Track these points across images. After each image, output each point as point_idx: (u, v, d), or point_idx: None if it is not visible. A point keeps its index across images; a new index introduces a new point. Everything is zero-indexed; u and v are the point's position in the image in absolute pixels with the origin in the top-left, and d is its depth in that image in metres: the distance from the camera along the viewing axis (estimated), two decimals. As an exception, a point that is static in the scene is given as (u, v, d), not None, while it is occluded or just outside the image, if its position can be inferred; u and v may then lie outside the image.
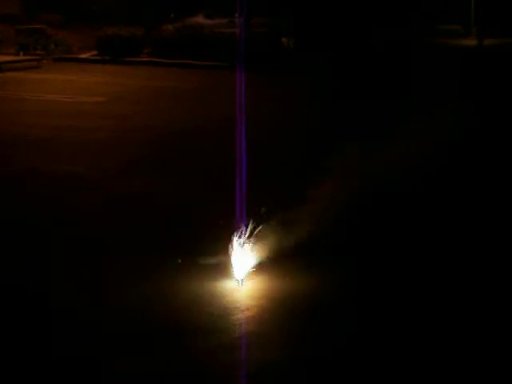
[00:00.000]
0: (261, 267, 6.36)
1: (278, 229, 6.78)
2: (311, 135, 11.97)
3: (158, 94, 16.43)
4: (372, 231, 7.50)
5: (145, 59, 22.10)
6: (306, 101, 15.59)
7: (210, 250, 6.67)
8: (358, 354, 5.17)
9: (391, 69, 18.93)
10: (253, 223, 6.41)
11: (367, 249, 7.02)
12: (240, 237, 6.33)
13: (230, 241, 6.35)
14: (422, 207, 8.24)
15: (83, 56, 22.60)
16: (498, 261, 6.79)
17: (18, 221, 7.79)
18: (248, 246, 6.31)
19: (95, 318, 5.63)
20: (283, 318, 5.68)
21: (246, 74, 14.41)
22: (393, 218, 7.88)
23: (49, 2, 27.82)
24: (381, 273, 6.50)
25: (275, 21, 22.52)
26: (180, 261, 6.58)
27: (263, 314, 5.71)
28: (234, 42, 19.99)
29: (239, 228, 6.37)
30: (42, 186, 9.04)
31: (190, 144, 11.43)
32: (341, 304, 5.93)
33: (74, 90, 16.53)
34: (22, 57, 21.37)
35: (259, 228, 6.43)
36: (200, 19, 25.34)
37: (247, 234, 6.35)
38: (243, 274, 6.23)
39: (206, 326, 5.50)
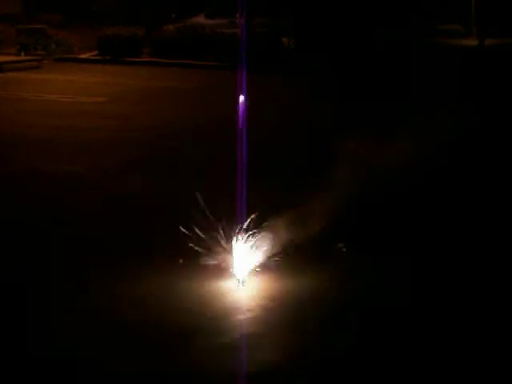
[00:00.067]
0: (262, 267, 6.35)
1: (278, 229, 6.76)
2: (312, 135, 11.96)
3: (158, 94, 16.42)
4: (373, 232, 7.49)
5: (145, 59, 22.10)
6: (306, 101, 15.58)
7: (211, 250, 6.65)
8: (359, 355, 5.16)
9: (391, 69, 18.92)
10: (253, 223, 6.40)
11: (369, 249, 7.01)
12: (241, 237, 6.32)
13: (230, 241, 6.34)
14: (423, 208, 8.23)
15: (84, 56, 22.60)
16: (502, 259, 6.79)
17: (18, 221, 7.79)
18: (249, 246, 6.30)
19: (95, 317, 5.62)
20: (284, 318, 5.66)
21: (246, 74, 14.41)
22: (393, 219, 7.87)
23: (49, 2, 27.83)
24: (383, 273, 6.49)
25: (275, 21, 22.52)
26: (181, 261, 6.57)
27: (264, 314, 5.69)
28: (234, 42, 19.99)
29: (240, 228, 6.36)
30: (41, 186, 9.03)
31: (190, 144, 11.42)
32: (342, 304, 5.92)
33: (74, 90, 16.53)
34: (22, 57, 21.37)
35: (259, 228, 6.42)
36: (201, 19, 25.33)
37: (248, 235, 6.35)
38: (244, 274, 6.22)
39: (207, 327, 5.48)
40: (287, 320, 5.64)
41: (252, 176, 8.04)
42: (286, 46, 22.01)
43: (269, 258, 6.44)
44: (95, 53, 22.71)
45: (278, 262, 6.44)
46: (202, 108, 14.72)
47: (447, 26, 28.00)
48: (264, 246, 6.41)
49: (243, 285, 6.15)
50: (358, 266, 6.63)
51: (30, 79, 18.20)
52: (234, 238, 6.34)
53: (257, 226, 6.41)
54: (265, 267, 6.36)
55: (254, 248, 6.33)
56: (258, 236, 6.40)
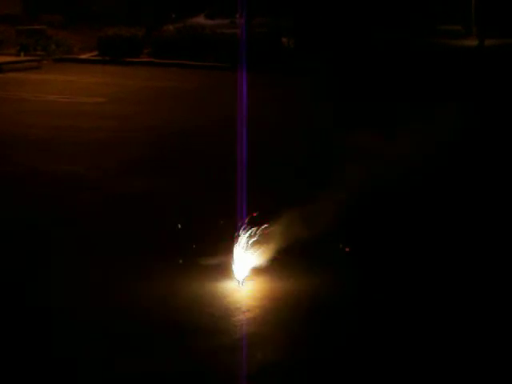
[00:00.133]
0: (262, 268, 6.34)
1: (279, 229, 6.76)
2: (312, 135, 11.95)
3: (158, 95, 16.42)
4: (374, 232, 7.48)
5: (145, 60, 22.10)
6: (306, 101, 15.57)
7: (211, 251, 6.66)
8: (359, 355, 5.15)
9: (391, 69, 18.92)
10: (254, 223, 6.39)
11: (370, 249, 7.00)
12: (241, 237, 6.31)
13: (230, 241, 6.34)
14: (422, 210, 8.23)
15: (84, 56, 22.60)
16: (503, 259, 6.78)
17: (18, 221, 7.78)
18: (249, 247, 6.30)
19: (95, 317, 5.61)
20: (284, 318, 5.66)
21: (246, 74, 14.41)
22: (393, 220, 7.86)
23: (49, 3, 27.82)
24: (383, 273, 6.49)
25: (275, 21, 22.51)
26: (181, 261, 6.57)
27: (264, 314, 5.69)
28: (234, 43, 19.99)
29: (240, 228, 6.36)
30: (41, 186, 9.02)
31: (190, 144, 11.42)
32: (342, 305, 5.91)
33: (74, 90, 16.53)
34: (22, 57, 21.37)
35: (260, 228, 6.42)
36: (201, 20, 25.33)
37: (248, 235, 6.34)
38: (244, 274, 6.21)
39: (207, 327, 5.48)
40: (287, 320, 5.63)
41: (252, 176, 8.05)
42: (286, 46, 22.01)
43: (268, 258, 6.44)
44: (95, 53, 22.72)
45: (278, 263, 6.44)
46: (202, 108, 14.72)
47: (447, 27, 27.98)
48: (264, 246, 6.41)
49: (243, 285, 6.14)
50: (358, 267, 6.62)
51: (30, 80, 18.20)
52: (235, 239, 6.33)
53: (257, 226, 6.41)
54: (265, 267, 6.36)
55: (254, 248, 6.32)
56: (258, 236, 6.39)
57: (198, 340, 5.29)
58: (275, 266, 6.42)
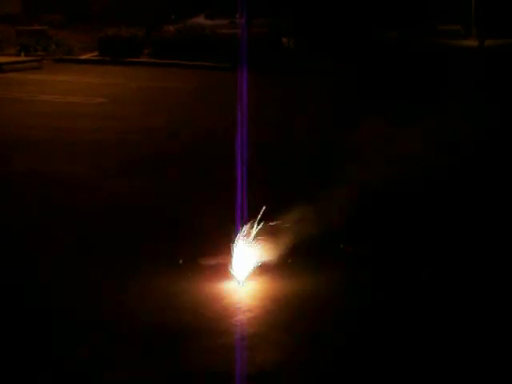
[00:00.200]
0: (262, 268, 6.34)
1: (279, 229, 6.76)
2: (312, 135, 11.96)
3: (158, 95, 16.43)
4: (374, 232, 7.48)
5: (145, 60, 22.12)
6: (306, 101, 15.58)
7: (211, 251, 6.66)
8: (360, 356, 5.16)
9: (391, 69, 18.92)
10: (254, 224, 6.40)
11: (374, 249, 7.00)
12: (241, 237, 6.32)
13: (231, 241, 6.34)
14: (422, 212, 8.23)
15: (84, 57, 22.62)
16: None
17: (17, 221, 7.79)
18: (249, 247, 6.30)
19: (95, 318, 5.62)
20: (285, 319, 5.66)
21: (246, 74, 14.41)
22: (393, 220, 7.86)
23: (50, 3, 27.84)
24: (387, 273, 6.48)
25: (275, 21, 22.52)
26: (181, 261, 6.57)
27: (265, 315, 5.69)
28: (234, 43, 19.99)
29: (240, 228, 6.36)
30: (42, 186, 9.03)
31: (190, 144, 11.43)
32: (345, 305, 5.91)
33: (74, 90, 16.53)
34: (22, 57, 21.38)
35: (260, 228, 6.42)
36: (201, 20, 25.35)
37: (248, 235, 6.34)
38: (244, 274, 6.21)
39: (207, 327, 5.48)
40: (287, 321, 5.63)
41: (253, 175, 8.05)
42: (286, 46, 22.03)
43: (270, 257, 6.44)
44: (95, 53, 22.74)
45: (279, 262, 6.45)
46: (203, 108, 14.73)
47: (447, 27, 27.99)
48: (266, 246, 6.41)
49: (243, 285, 6.14)
50: (359, 267, 6.63)
51: (30, 80, 18.21)
52: (235, 239, 6.33)
53: (258, 225, 6.41)
54: (266, 267, 6.36)
55: (255, 247, 6.32)
56: (260, 235, 6.40)
57: (199, 340, 5.29)
58: (276, 266, 6.43)
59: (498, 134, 11.77)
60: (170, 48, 22.00)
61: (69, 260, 6.70)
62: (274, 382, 4.86)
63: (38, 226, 7.63)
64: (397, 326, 5.57)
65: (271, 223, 6.56)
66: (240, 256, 6.25)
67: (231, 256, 6.28)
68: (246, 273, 6.22)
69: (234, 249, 6.28)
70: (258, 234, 6.37)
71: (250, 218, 6.45)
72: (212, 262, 6.50)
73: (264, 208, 6.52)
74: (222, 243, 6.48)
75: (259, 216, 6.46)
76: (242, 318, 5.64)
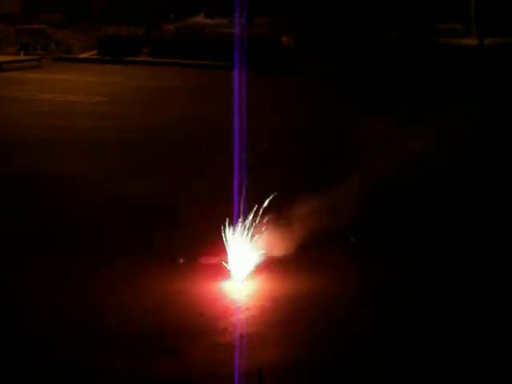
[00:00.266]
0: (262, 267, 6.35)
1: (279, 229, 6.77)
2: (311, 135, 11.96)
3: (158, 94, 16.42)
4: (375, 232, 7.48)
5: (145, 59, 22.10)
6: (305, 100, 15.57)
7: (211, 250, 6.66)
8: (360, 355, 5.16)
9: (391, 68, 18.90)
10: (253, 223, 6.40)
11: (370, 249, 7.01)
12: (241, 237, 6.32)
13: (230, 241, 6.34)
14: (421, 212, 8.24)
15: (83, 56, 22.60)
16: None
17: (17, 220, 7.79)
18: (249, 246, 6.31)
19: (95, 318, 5.62)
20: (284, 318, 5.66)
21: (246, 73, 14.41)
22: (393, 220, 7.86)
23: (50, 2, 27.81)
24: (384, 273, 6.49)
25: (275, 20, 22.52)
26: (181, 260, 6.58)
27: (264, 313, 5.69)
28: (234, 42, 19.96)
29: (240, 228, 6.36)
30: (42, 186, 9.03)
31: (190, 144, 11.42)
32: (344, 304, 5.91)
33: (74, 89, 16.52)
34: (22, 56, 21.36)
35: (260, 228, 6.42)
36: (200, 19, 25.34)
37: (248, 234, 6.35)
38: (244, 273, 6.22)
39: (207, 326, 5.48)
40: (286, 320, 5.64)
41: (253, 175, 8.04)
42: (286, 46, 22.00)
43: (269, 257, 6.44)
44: (95, 52, 22.71)
45: (279, 261, 6.45)
46: (202, 108, 14.71)
47: (447, 25, 27.96)
48: (264, 246, 6.42)
49: (243, 284, 6.15)
50: (362, 266, 6.63)
51: (30, 79, 18.20)
52: (235, 238, 6.34)
53: (257, 227, 6.42)
54: (265, 266, 6.37)
55: (254, 247, 6.33)
56: (258, 236, 6.40)
57: (198, 339, 5.29)
58: (276, 265, 6.43)
59: (498, 133, 11.77)
60: (169, 47, 21.98)
61: (69, 260, 6.70)
62: (274, 380, 4.87)
63: (38, 226, 7.63)
64: (397, 325, 5.57)
65: (269, 224, 6.56)
66: (239, 255, 6.25)
67: (231, 256, 6.28)
68: (246, 272, 6.23)
69: (234, 248, 6.28)
70: (256, 235, 6.37)
71: (249, 218, 6.45)
72: (212, 261, 6.50)
73: (264, 207, 6.53)
74: (222, 243, 6.47)
75: (260, 214, 6.47)
76: (241, 316, 5.64)
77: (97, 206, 8.28)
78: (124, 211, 8.10)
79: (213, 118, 13.37)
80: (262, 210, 6.52)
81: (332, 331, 5.49)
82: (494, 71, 18.89)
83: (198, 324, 5.52)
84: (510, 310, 5.82)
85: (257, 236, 6.39)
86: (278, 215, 6.94)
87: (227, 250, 6.34)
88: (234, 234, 6.36)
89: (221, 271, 6.30)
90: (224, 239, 6.37)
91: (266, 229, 6.49)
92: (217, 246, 6.59)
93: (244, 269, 6.23)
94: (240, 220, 6.39)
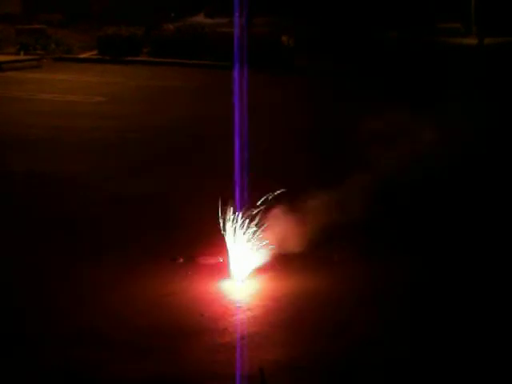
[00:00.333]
0: (263, 266, 6.35)
1: (279, 229, 6.76)
2: (311, 134, 11.95)
3: (158, 94, 16.41)
4: (375, 232, 7.48)
5: (145, 59, 22.09)
6: (305, 100, 15.56)
7: (212, 250, 6.65)
8: (360, 355, 5.15)
9: (391, 68, 18.89)
10: (254, 223, 6.40)
11: (371, 248, 7.00)
12: (242, 235, 6.32)
13: (231, 241, 6.34)
14: (421, 212, 8.24)
15: (83, 56, 22.59)
16: None
17: (17, 220, 7.78)
18: (249, 246, 6.30)
19: (96, 318, 5.62)
20: (285, 318, 5.66)
21: (246, 73, 14.40)
22: (393, 220, 7.85)
23: (50, 2, 27.80)
24: (385, 273, 6.48)
25: (275, 20, 22.51)
26: (182, 260, 6.57)
27: (265, 313, 5.69)
28: (234, 42, 19.95)
29: (241, 228, 6.36)
30: (42, 186, 9.03)
31: (190, 143, 11.42)
32: (343, 305, 5.91)
33: (74, 89, 16.51)
34: (22, 56, 21.35)
35: (260, 228, 6.42)
36: (200, 19, 25.33)
37: (248, 234, 6.34)
38: (245, 273, 6.21)
39: (207, 326, 5.48)
40: (287, 319, 5.63)
41: (253, 175, 8.04)
42: (286, 45, 21.99)
43: (270, 256, 6.44)
44: (95, 52, 22.70)
45: (280, 261, 6.45)
46: (202, 107, 14.70)
47: (447, 25, 27.94)
48: (264, 246, 6.41)
49: (244, 284, 6.14)
50: (364, 265, 6.63)
51: (30, 79, 18.19)
52: (235, 237, 6.33)
53: (257, 226, 6.41)
54: (266, 266, 6.36)
55: (255, 246, 6.32)
56: (258, 236, 6.40)
57: (198, 339, 5.29)
58: (277, 265, 6.43)
59: (498, 133, 11.77)
60: (169, 47, 21.97)
61: (69, 260, 6.70)
62: (276, 379, 4.86)
63: (38, 226, 7.63)
64: (398, 326, 5.57)
65: (269, 224, 6.55)
66: (240, 255, 6.25)
67: (232, 255, 6.28)
68: (247, 272, 6.22)
69: (235, 248, 6.28)
70: (257, 235, 6.37)
71: (249, 217, 6.45)
72: (212, 260, 6.50)
73: (265, 206, 6.52)
74: (223, 243, 6.47)
75: (260, 213, 6.47)
76: (242, 316, 5.64)
77: (97, 206, 8.27)
78: (124, 211, 8.10)
79: (213, 117, 13.36)
80: (261, 210, 6.51)
81: (334, 331, 5.48)
82: (494, 71, 18.88)
83: (198, 324, 5.52)
84: (510, 309, 5.82)
85: (257, 236, 6.38)
86: (278, 215, 6.93)
87: (228, 249, 6.33)
88: (234, 233, 6.35)
89: (222, 271, 6.29)
90: (225, 238, 6.36)
91: (266, 226, 6.48)
92: (217, 246, 6.59)
93: (245, 268, 6.22)
94: (240, 220, 6.39)
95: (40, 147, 10.99)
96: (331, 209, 7.39)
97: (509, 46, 23.31)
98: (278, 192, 6.49)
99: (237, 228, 6.34)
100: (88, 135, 11.85)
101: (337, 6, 23.50)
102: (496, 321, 5.62)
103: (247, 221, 6.36)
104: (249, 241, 6.32)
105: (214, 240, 6.79)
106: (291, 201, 7.44)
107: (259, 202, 6.50)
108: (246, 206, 6.44)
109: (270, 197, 6.50)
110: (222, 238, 6.41)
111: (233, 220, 6.34)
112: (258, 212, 6.46)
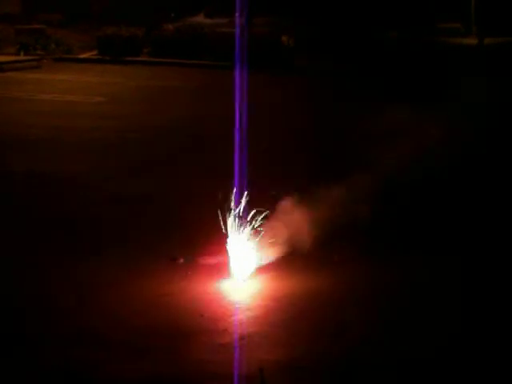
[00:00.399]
0: (263, 266, 6.34)
1: (279, 229, 6.76)
2: (311, 134, 11.95)
3: (158, 94, 16.41)
4: (375, 232, 7.48)
5: (145, 59, 22.09)
6: (305, 100, 15.56)
7: (212, 250, 6.65)
8: (361, 354, 5.15)
9: (391, 68, 18.89)
10: (254, 223, 6.40)
11: (371, 248, 7.00)
12: (241, 236, 6.32)
13: (231, 241, 6.34)
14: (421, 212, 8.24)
15: (83, 56, 22.59)
16: None
17: (17, 220, 7.78)
18: (250, 246, 6.30)
19: (96, 317, 5.61)
20: (285, 317, 5.65)
21: (246, 73, 14.40)
22: (393, 220, 7.85)
23: (49, 2, 27.79)
24: (385, 273, 6.48)
25: (275, 20, 22.50)
26: (182, 260, 6.57)
27: (265, 313, 5.69)
28: (234, 42, 19.95)
29: (241, 227, 6.36)
30: (42, 186, 9.02)
31: (190, 143, 11.41)
32: (343, 305, 5.91)
33: (74, 89, 16.51)
34: (22, 57, 21.35)
35: (260, 228, 6.42)
36: (200, 19, 25.32)
37: (249, 234, 6.34)
38: (245, 273, 6.21)
39: (207, 327, 5.48)
40: (288, 319, 5.63)
41: (253, 174, 8.03)
42: (286, 45, 21.99)
43: (271, 256, 6.44)
44: (95, 52, 22.70)
45: (281, 260, 6.45)
46: (202, 107, 14.70)
47: (447, 25, 27.93)
48: (264, 246, 6.41)
49: (244, 284, 6.14)
50: (361, 266, 6.62)
51: (30, 79, 18.19)
52: (235, 238, 6.33)
53: (257, 226, 6.41)
54: (267, 265, 6.36)
55: (254, 248, 6.32)
56: (259, 236, 6.39)
57: (198, 339, 5.29)
58: (277, 264, 6.43)
59: (498, 132, 11.77)
60: (169, 47, 21.97)
61: (69, 260, 6.70)
62: (276, 380, 4.86)
63: (38, 226, 7.63)
64: (399, 326, 5.56)
65: (269, 224, 6.55)
66: (241, 255, 6.25)
67: (232, 255, 6.28)
68: (247, 271, 6.22)
69: (235, 248, 6.27)
70: (257, 234, 6.37)
71: (249, 217, 6.45)
72: (213, 260, 6.50)
73: (264, 206, 6.52)
74: (223, 243, 6.47)
75: (260, 212, 6.47)
76: (241, 317, 5.63)
77: (97, 206, 8.27)
78: (124, 211, 8.10)
79: (213, 117, 13.35)
80: (261, 210, 6.51)
81: (334, 331, 5.48)
82: (494, 71, 18.88)
83: (198, 324, 5.52)
84: (510, 309, 5.82)
85: (258, 235, 6.38)
86: (278, 214, 6.93)
87: (228, 249, 6.33)
88: (234, 232, 6.35)
89: (222, 270, 6.29)
90: (225, 238, 6.36)
91: (266, 226, 6.48)
92: (217, 246, 6.59)
93: (245, 268, 6.22)
94: (240, 220, 6.39)
95: (40, 147, 10.98)
96: (331, 209, 7.39)
97: (509, 45, 23.31)
98: (278, 192, 6.48)
99: (237, 227, 6.34)
100: (88, 135, 11.85)
101: (337, 6, 23.48)
102: (497, 321, 5.62)
103: (247, 220, 6.36)
104: (249, 240, 6.31)
105: (213, 240, 6.79)
106: (291, 201, 7.45)
107: (259, 203, 6.50)
108: (246, 206, 6.44)
109: (270, 197, 6.50)
110: (222, 237, 6.41)
111: (233, 219, 6.34)
112: (258, 212, 6.46)
